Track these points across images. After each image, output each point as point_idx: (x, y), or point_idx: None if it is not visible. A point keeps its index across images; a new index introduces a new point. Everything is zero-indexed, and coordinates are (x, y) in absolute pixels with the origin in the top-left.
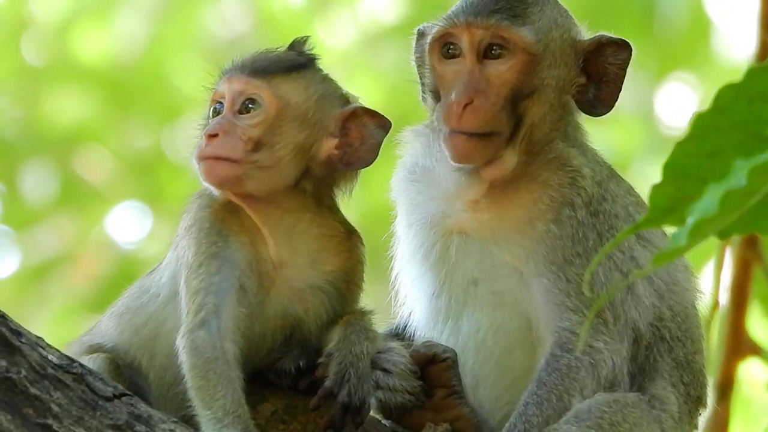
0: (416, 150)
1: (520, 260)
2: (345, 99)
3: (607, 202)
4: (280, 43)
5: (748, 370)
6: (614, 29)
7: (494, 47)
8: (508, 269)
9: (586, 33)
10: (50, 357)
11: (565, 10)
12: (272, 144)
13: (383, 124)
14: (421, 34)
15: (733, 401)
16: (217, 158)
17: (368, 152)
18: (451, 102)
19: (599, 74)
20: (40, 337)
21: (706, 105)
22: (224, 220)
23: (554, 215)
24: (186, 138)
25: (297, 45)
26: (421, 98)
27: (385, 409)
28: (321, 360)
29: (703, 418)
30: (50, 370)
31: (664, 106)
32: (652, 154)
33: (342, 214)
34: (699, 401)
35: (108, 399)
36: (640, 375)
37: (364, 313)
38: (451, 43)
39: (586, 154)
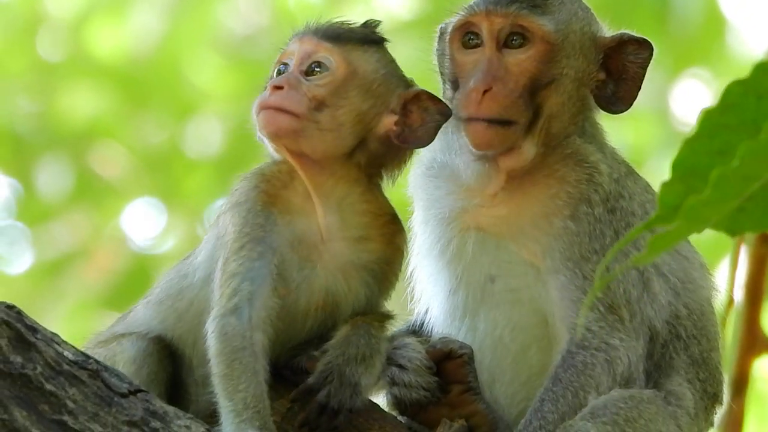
0: (434, 145)
1: (537, 256)
2: (409, 83)
3: (624, 199)
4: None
5: (763, 366)
6: (629, 26)
7: (514, 37)
8: (524, 265)
9: (608, 30)
10: (65, 353)
11: (587, 6)
12: (335, 107)
13: (444, 111)
14: (443, 32)
15: (748, 398)
16: (279, 109)
17: (426, 134)
18: (470, 89)
19: (619, 71)
20: (56, 333)
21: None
22: (274, 200)
23: (571, 211)
24: (201, 133)
25: (369, 25)
26: (442, 95)
27: (400, 405)
28: (315, 353)
29: (719, 414)
30: (65, 366)
31: (679, 102)
32: (667, 150)
33: (387, 198)
34: (715, 398)
35: (123, 395)
36: (656, 372)
37: (381, 318)
38: (472, 33)
39: (604, 150)
